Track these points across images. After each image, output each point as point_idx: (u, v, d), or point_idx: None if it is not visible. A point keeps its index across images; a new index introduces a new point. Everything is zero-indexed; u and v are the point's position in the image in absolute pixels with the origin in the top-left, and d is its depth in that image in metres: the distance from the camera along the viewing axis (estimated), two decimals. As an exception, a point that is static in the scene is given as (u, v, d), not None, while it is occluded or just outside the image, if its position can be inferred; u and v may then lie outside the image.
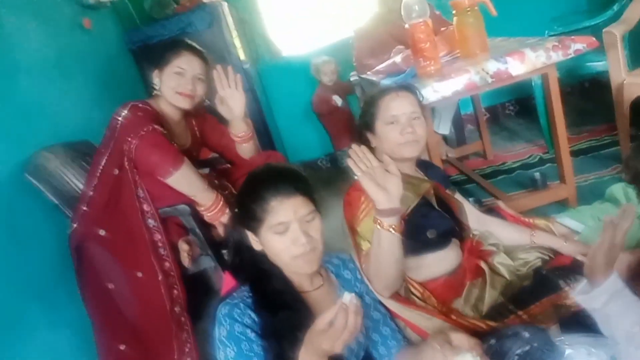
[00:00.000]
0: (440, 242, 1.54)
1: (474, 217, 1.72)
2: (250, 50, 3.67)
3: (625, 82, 2.25)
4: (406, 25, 2.13)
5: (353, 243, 1.48)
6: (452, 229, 1.58)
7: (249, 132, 2.02)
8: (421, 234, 1.50)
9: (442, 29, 2.62)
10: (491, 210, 1.92)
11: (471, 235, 1.65)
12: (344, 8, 3.78)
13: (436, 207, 1.57)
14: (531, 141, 3.32)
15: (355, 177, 1.30)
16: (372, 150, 1.59)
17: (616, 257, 1.09)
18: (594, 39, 1.99)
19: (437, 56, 2.15)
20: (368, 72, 2.71)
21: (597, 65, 2.75)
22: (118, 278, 1.85)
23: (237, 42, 3.31)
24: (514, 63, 2.00)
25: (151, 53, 1.96)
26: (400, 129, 1.53)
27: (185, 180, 1.82)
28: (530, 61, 2.01)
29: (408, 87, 1.66)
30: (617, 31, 2.24)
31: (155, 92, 1.95)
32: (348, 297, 0.95)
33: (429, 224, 1.52)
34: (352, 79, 3.18)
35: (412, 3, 2.06)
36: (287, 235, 1.13)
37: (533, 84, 2.90)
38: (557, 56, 1.99)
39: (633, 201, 1.87)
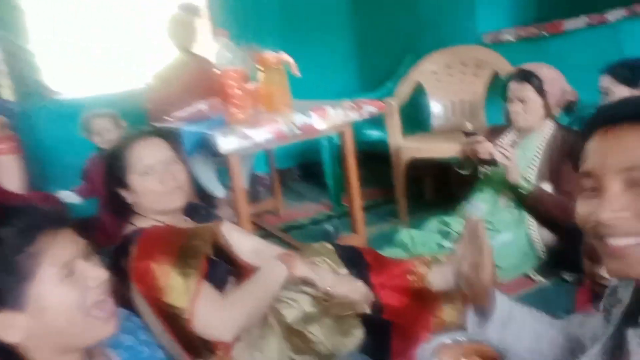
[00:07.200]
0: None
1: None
2: (19, 88, 3.16)
3: (401, 146, 2.64)
4: (218, 72, 2.13)
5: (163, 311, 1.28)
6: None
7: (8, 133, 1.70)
8: None
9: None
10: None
11: None
12: (135, 55, 3.59)
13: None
14: (318, 201, 3.57)
15: None
16: (129, 206, 1.44)
17: (491, 274, 0.95)
18: (382, 103, 2.31)
19: (248, 105, 2.18)
20: (167, 119, 2.57)
21: (373, 133, 3.18)
22: None
23: (3, 79, 2.81)
24: (317, 118, 2.16)
25: None
26: (159, 179, 1.40)
27: None
28: (331, 118, 2.20)
29: (157, 133, 1.53)
30: (394, 102, 2.65)
31: None
32: None
33: None
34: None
35: (225, 50, 2.08)
36: None
37: (321, 146, 3.17)
38: (354, 115, 2.23)
39: (417, 245, 2.13)
